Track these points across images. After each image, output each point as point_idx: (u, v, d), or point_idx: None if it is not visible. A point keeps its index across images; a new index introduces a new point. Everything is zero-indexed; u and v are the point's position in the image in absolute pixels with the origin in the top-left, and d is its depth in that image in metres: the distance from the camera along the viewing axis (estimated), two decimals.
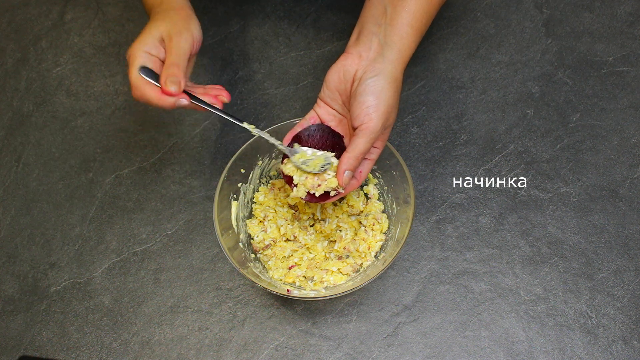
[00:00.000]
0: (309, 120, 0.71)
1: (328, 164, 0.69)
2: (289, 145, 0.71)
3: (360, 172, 0.68)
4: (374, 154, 0.68)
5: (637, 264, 0.77)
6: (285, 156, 0.71)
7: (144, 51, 0.68)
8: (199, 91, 0.70)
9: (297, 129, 0.71)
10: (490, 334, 0.74)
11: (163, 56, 0.69)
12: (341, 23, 0.98)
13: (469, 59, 0.93)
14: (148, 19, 0.73)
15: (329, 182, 0.68)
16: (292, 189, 0.70)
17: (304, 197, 0.69)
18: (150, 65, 0.67)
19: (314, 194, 0.69)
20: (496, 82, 0.91)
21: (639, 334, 0.73)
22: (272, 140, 0.71)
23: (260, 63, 0.95)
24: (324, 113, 0.71)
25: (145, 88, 0.67)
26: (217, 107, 0.70)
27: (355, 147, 0.64)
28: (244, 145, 0.76)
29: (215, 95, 0.70)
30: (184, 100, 0.67)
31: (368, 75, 0.65)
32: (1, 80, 0.98)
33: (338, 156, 0.69)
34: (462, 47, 0.94)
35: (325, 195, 0.69)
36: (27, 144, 0.92)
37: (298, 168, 0.69)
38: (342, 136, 0.70)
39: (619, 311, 0.75)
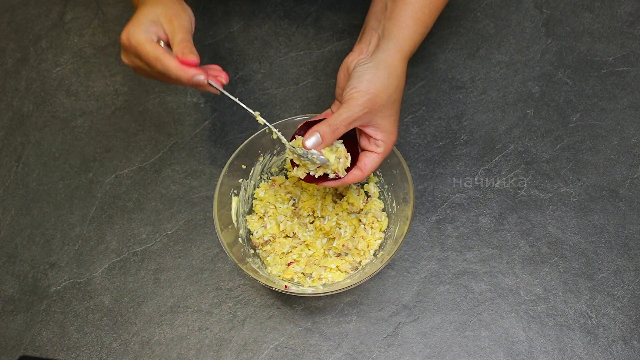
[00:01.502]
0: (324, 115, 0.72)
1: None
2: (298, 134, 0.71)
3: (365, 164, 0.69)
4: (381, 148, 0.69)
5: (637, 264, 0.77)
6: (293, 138, 0.71)
7: (143, 30, 0.65)
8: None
9: (311, 121, 0.71)
10: (490, 334, 0.74)
11: (160, 37, 0.67)
12: (341, 23, 0.98)
13: (469, 59, 0.93)
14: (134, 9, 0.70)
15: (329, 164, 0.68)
16: (293, 169, 0.70)
17: (302, 178, 0.70)
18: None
19: (314, 175, 0.69)
20: (496, 82, 0.91)
21: (639, 334, 0.73)
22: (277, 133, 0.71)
23: (260, 63, 0.95)
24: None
25: (166, 57, 0.63)
26: (224, 91, 0.68)
27: (333, 117, 0.65)
28: (245, 141, 0.76)
29: (215, 76, 0.68)
30: (202, 77, 0.64)
31: (359, 65, 0.67)
32: (1, 80, 0.98)
33: (347, 146, 0.70)
34: (462, 47, 0.94)
35: (324, 177, 0.69)
36: (27, 144, 0.92)
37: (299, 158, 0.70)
38: (354, 128, 0.70)
39: (619, 311, 0.75)
